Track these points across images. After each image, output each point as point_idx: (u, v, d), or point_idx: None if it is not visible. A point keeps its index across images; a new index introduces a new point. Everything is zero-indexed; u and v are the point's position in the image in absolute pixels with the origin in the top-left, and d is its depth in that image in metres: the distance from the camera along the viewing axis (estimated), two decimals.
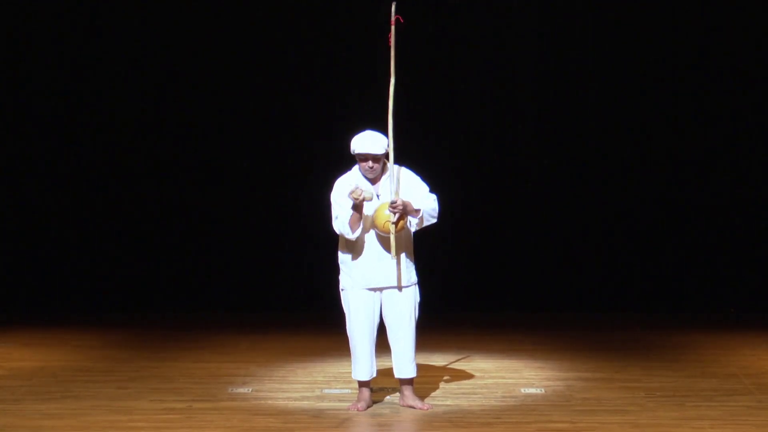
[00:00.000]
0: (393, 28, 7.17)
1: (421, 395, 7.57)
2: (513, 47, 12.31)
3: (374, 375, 7.40)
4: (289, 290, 12.22)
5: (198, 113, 12.30)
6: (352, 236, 7.17)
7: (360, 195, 7.01)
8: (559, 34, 12.25)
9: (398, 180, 7.22)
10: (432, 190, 7.32)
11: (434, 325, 10.29)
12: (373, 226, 7.18)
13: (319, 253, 10.41)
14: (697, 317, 11.72)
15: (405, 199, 7.13)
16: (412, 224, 7.24)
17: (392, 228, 7.08)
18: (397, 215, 7.07)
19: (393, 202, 7.07)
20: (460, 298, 12.19)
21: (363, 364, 7.35)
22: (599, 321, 11.59)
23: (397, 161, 7.24)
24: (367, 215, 7.20)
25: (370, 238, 7.26)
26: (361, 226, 7.17)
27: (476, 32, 12.27)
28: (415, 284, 7.38)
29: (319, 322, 10.88)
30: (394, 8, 7.17)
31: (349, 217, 7.13)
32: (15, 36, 12.22)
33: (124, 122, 12.34)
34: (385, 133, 7.16)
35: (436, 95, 12.19)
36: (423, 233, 7.46)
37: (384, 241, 7.22)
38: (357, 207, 7.10)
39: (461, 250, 12.29)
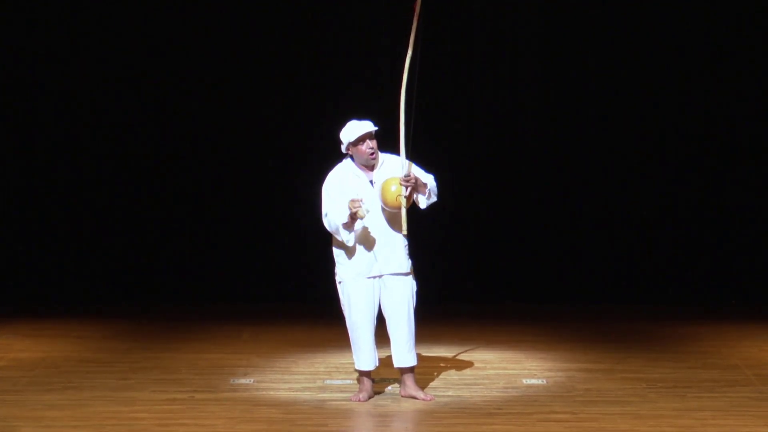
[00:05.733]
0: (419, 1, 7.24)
1: (423, 386, 7.57)
2: (516, 37, 12.29)
3: (377, 364, 7.40)
4: (290, 281, 12.21)
5: (198, 107, 12.27)
6: (340, 238, 7.18)
7: (357, 208, 7.03)
8: (562, 30, 12.23)
9: (402, 153, 7.23)
10: (428, 171, 7.41)
11: (435, 317, 10.29)
12: (382, 202, 7.17)
13: (319, 243, 10.40)
14: (698, 309, 11.70)
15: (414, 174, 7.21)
16: (422, 201, 7.30)
17: (404, 201, 7.10)
18: (408, 189, 7.10)
19: (406, 175, 7.11)
20: (462, 289, 12.18)
21: (366, 354, 7.36)
22: (601, 312, 11.58)
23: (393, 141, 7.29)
24: (367, 209, 7.21)
25: (368, 227, 7.27)
26: (351, 232, 7.17)
27: (479, 22, 12.26)
28: (412, 272, 7.41)
29: (320, 313, 10.86)
30: None
31: (343, 222, 7.13)
32: (19, 30, 12.20)
33: (126, 116, 12.30)
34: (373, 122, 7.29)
35: (437, 81, 12.15)
36: (424, 223, 7.48)
37: (391, 221, 7.23)
38: (352, 218, 7.11)
39: (463, 240, 12.27)
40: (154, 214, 12.37)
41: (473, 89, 12.34)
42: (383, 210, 7.25)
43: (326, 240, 7.52)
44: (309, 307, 11.42)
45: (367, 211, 7.09)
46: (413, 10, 7.24)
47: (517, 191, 12.36)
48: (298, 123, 12.20)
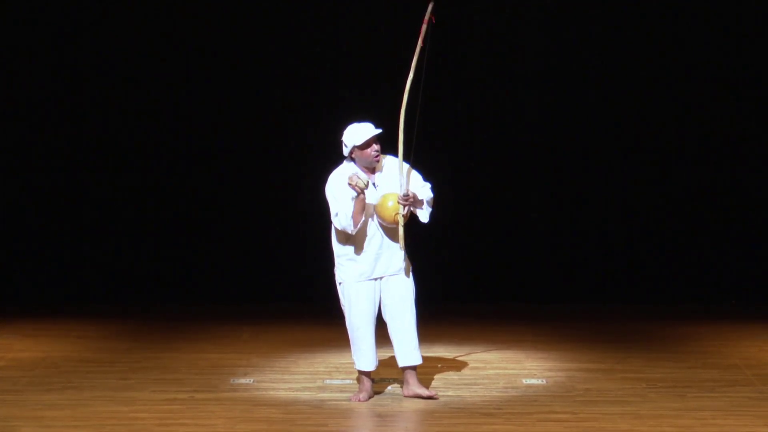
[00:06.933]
0: (425, 26, 7.25)
1: (423, 386, 7.55)
2: (517, 34, 12.29)
3: (377, 365, 7.41)
4: (290, 281, 12.20)
5: (199, 108, 12.26)
6: (353, 231, 7.21)
7: (356, 182, 7.09)
8: (562, 36, 12.23)
9: (399, 172, 7.24)
10: (426, 178, 7.44)
11: (435, 317, 10.29)
12: (380, 217, 7.23)
13: (319, 243, 10.40)
14: (698, 309, 11.70)
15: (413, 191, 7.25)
16: (422, 215, 7.37)
17: (401, 220, 7.16)
18: (406, 208, 7.15)
19: (405, 195, 7.15)
20: (462, 289, 12.18)
21: (367, 354, 7.36)
22: (601, 312, 11.58)
23: (393, 150, 7.29)
24: (369, 204, 7.23)
25: (370, 229, 7.30)
26: (363, 219, 7.21)
27: (478, 20, 12.26)
28: (411, 271, 7.44)
29: (320, 312, 10.86)
30: (431, 8, 7.24)
31: (352, 210, 7.15)
32: (20, 29, 12.20)
33: (127, 116, 12.29)
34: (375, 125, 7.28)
35: (435, 81, 12.11)
36: (424, 223, 7.49)
37: (388, 231, 7.27)
38: (359, 195, 7.14)
39: (462, 240, 12.27)
40: (155, 214, 12.36)
41: (473, 88, 12.34)
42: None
43: (326, 240, 7.53)
44: (309, 307, 11.42)
45: (368, 180, 7.17)
46: (420, 34, 7.27)
47: (517, 191, 12.35)
48: (299, 123, 12.19)
